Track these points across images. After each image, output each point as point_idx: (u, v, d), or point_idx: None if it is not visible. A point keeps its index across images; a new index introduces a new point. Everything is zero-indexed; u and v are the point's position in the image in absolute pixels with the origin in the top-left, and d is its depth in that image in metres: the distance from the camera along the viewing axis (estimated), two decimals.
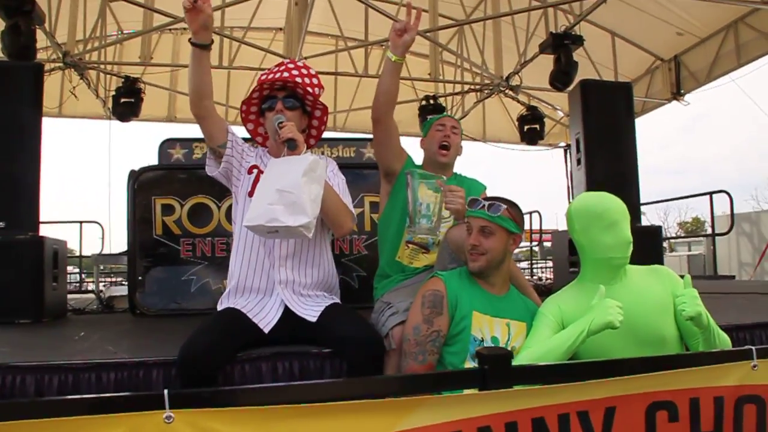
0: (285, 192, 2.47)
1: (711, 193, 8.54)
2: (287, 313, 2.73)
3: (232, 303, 2.79)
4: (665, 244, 23.74)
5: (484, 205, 2.50)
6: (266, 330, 2.67)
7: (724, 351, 1.80)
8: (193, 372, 2.38)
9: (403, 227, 3.07)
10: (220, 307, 2.85)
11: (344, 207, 2.82)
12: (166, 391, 1.32)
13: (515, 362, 2.08)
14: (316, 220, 2.54)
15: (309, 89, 2.87)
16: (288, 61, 2.98)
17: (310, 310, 2.73)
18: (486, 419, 1.54)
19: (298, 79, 2.85)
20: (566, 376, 1.61)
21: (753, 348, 1.76)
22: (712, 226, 9.13)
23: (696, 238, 21.62)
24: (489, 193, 3.30)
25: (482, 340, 2.40)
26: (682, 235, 30.05)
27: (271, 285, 2.80)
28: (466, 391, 1.66)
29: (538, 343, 2.26)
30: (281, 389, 1.61)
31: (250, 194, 2.79)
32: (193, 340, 2.46)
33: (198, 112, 2.70)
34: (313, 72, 2.94)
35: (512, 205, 2.54)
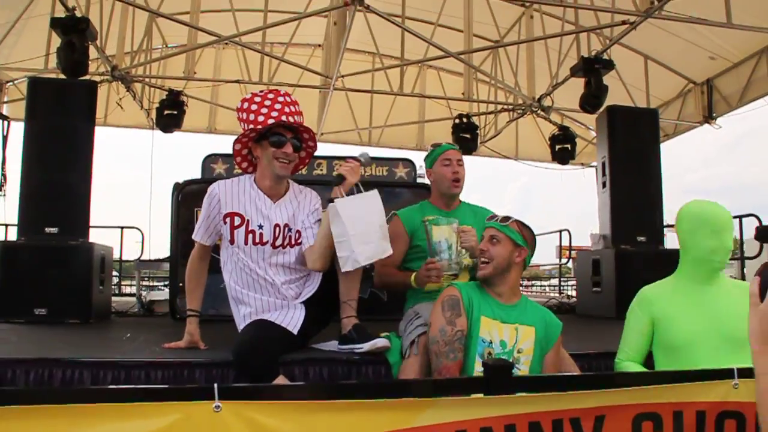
0: (384, 226, 3.06)
1: (740, 217, 8.51)
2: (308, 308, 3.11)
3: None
4: None
5: (497, 218, 2.82)
6: (294, 331, 3.00)
7: (707, 370, 1.97)
8: (246, 367, 2.70)
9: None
10: (241, 325, 3.14)
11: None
12: (216, 385, 1.56)
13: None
14: None
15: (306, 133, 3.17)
16: (282, 93, 3.15)
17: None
18: (488, 421, 1.75)
19: (299, 118, 3.11)
20: (562, 387, 1.81)
21: (734, 368, 1.94)
22: (741, 250, 9.12)
23: None
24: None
25: (490, 342, 2.66)
26: None
27: (280, 300, 3.14)
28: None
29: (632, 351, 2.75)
30: (314, 387, 1.85)
31: (231, 242, 3.16)
32: (244, 339, 2.82)
33: None
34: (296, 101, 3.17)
35: (523, 225, 2.83)
